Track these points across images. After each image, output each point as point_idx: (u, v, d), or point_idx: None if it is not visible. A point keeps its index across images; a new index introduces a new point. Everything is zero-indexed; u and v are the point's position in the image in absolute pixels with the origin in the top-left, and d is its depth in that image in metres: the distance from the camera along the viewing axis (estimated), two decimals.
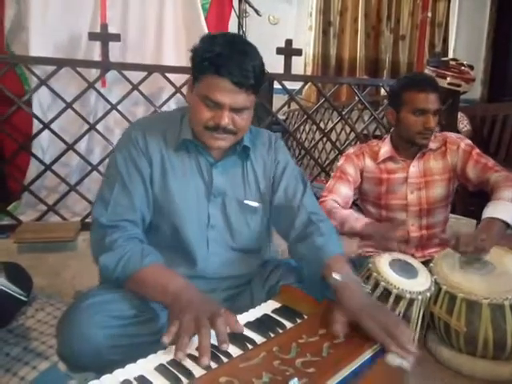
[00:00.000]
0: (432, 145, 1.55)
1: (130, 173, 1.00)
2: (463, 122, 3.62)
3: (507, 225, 1.30)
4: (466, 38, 5.48)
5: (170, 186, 1.02)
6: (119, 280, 0.92)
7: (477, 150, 1.52)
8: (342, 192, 1.55)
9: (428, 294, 1.25)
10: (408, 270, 1.30)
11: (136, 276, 0.90)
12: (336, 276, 0.88)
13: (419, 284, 1.26)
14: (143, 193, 1.01)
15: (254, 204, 1.08)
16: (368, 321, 0.79)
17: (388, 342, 0.75)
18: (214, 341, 0.74)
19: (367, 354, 0.74)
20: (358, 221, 1.40)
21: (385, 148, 1.58)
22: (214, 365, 0.70)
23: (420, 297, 1.22)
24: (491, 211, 1.33)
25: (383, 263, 1.29)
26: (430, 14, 4.68)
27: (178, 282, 0.88)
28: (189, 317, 0.76)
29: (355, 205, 2.16)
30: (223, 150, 1.05)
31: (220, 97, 0.91)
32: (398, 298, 1.21)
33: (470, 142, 1.56)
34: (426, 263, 1.42)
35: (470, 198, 2.42)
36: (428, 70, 2.28)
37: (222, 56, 0.90)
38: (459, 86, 2.17)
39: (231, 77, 0.90)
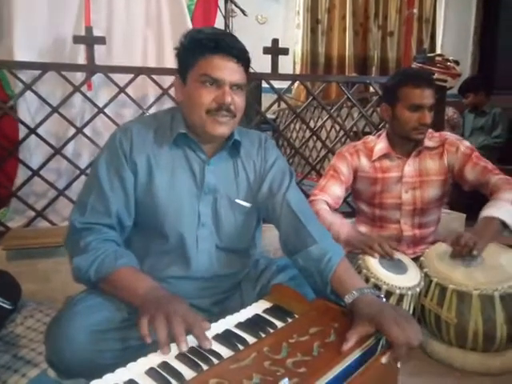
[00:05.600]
0: (428, 143, 1.53)
1: (111, 178, 0.99)
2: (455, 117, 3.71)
3: (504, 225, 1.31)
4: (453, 33, 5.51)
5: (157, 187, 1.01)
6: (91, 282, 0.92)
7: (476, 153, 1.52)
8: (333, 191, 1.54)
9: (418, 290, 1.26)
10: (397, 266, 1.31)
11: (108, 278, 0.90)
12: (350, 296, 0.86)
13: (409, 279, 1.27)
14: (123, 198, 1.00)
15: (245, 204, 1.08)
16: (391, 324, 0.75)
17: (404, 350, 0.73)
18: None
19: (357, 353, 0.74)
20: (341, 229, 1.37)
21: (380, 145, 1.57)
22: (204, 367, 0.70)
23: (410, 292, 1.23)
24: (490, 210, 1.33)
25: (373, 260, 1.30)
26: (415, 11, 4.70)
27: (147, 284, 0.88)
28: (158, 313, 0.77)
29: (346, 203, 2.17)
30: (215, 146, 1.05)
31: (221, 73, 0.94)
32: (388, 294, 1.22)
33: (469, 144, 1.56)
34: (416, 259, 1.43)
35: (460, 192, 2.44)
36: (415, 66, 2.29)
37: (218, 34, 0.96)
38: (445, 81, 2.19)
39: (230, 50, 0.95)
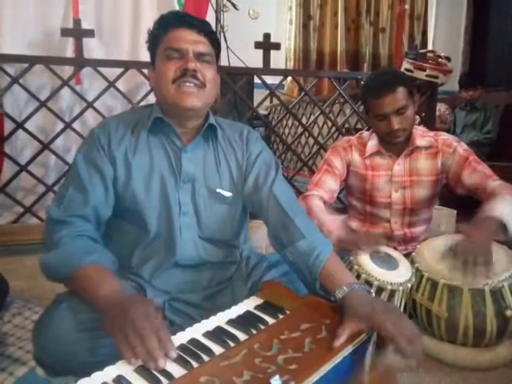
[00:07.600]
0: (421, 142, 1.50)
1: (89, 172, 0.98)
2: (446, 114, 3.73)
3: (504, 227, 1.24)
4: (444, 30, 5.54)
5: (135, 178, 1.00)
6: (60, 280, 0.90)
7: (474, 157, 1.47)
8: (327, 185, 1.53)
9: (409, 285, 1.27)
10: (389, 262, 1.31)
11: (74, 276, 0.86)
12: (340, 292, 0.85)
13: (400, 275, 1.27)
14: (102, 191, 0.99)
15: (227, 193, 1.06)
16: (385, 323, 0.75)
17: (405, 348, 0.72)
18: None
19: (348, 349, 0.74)
20: (332, 229, 1.33)
21: (372, 142, 1.56)
22: (195, 364, 0.69)
23: (401, 288, 1.24)
24: (493, 208, 1.27)
25: (364, 255, 1.30)
26: (407, 7, 4.72)
27: (110, 285, 0.84)
28: (127, 324, 0.72)
29: (338, 199, 2.17)
30: (192, 132, 1.04)
31: (183, 43, 0.97)
32: (380, 290, 1.22)
33: (466, 146, 1.52)
34: (408, 255, 1.43)
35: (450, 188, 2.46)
36: (406, 63, 2.29)
37: (181, 13, 1.07)
38: (437, 77, 2.20)
39: (191, 21, 0.98)
